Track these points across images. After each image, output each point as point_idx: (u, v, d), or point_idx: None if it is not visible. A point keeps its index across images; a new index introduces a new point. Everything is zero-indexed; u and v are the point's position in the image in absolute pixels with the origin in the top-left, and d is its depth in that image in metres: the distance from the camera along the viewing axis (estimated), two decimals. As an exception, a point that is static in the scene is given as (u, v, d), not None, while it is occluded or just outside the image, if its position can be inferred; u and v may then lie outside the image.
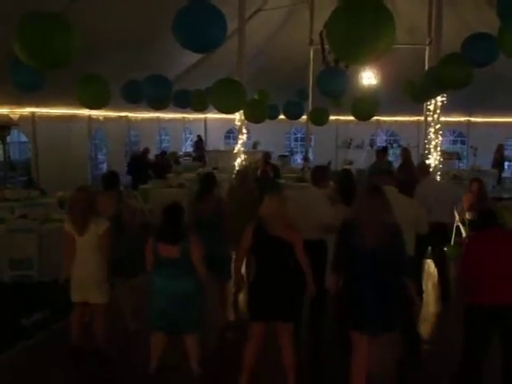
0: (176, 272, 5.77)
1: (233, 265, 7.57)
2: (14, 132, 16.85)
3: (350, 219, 5.28)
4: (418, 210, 6.70)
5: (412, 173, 11.30)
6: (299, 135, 26.36)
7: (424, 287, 8.70)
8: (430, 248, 9.21)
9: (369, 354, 5.29)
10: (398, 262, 5.12)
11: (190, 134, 27.53)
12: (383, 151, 13.69)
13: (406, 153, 13.91)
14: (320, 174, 7.35)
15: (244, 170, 10.24)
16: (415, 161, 18.59)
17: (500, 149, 21.14)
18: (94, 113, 17.82)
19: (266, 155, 13.48)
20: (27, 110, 15.18)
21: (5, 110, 14.20)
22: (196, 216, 7.43)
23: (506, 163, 23.44)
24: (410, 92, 11.49)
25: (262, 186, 10.60)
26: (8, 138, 15.43)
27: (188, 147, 27.00)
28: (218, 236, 7.46)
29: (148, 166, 18.06)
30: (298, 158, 24.62)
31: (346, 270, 5.33)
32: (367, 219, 5.04)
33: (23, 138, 17.68)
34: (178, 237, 5.77)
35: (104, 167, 20.96)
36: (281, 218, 5.42)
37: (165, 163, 18.58)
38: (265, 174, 11.90)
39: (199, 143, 25.12)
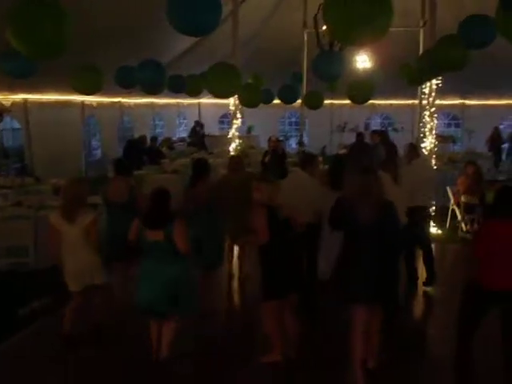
0: (162, 256, 5.84)
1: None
2: (7, 119, 16.74)
3: (344, 197, 5.62)
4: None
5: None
6: (293, 119, 26.29)
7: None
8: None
9: (370, 325, 5.65)
10: (393, 235, 5.48)
11: (184, 119, 27.41)
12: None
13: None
14: (307, 159, 7.67)
15: (236, 156, 10.21)
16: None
17: (496, 131, 21.01)
18: (88, 99, 17.72)
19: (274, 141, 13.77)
20: (19, 97, 15.07)
21: (-3, 97, 14.10)
22: (191, 203, 7.49)
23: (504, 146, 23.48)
24: (406, 75, 11.42)
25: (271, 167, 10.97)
26: (0, 125, 15.34)
27: (182, 132, 26.86)
28: (212, 222, 7.54)
29: (143, 151, 17.96)
30: (293, 143, 24.56)
31: (343, 245, 5.59)
32: (363, 195, 5.36)
33: (16, 125, 17.56)
34: (162, 221, 5.83)
35: (98, 153, 20.89)
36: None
37: (155, 149, 18.45)
38: (275, 152, 12.43)
39: (197, 128, 24.79)
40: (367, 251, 5.37)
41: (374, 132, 14.60)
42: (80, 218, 6.27)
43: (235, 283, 8.89)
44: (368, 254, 5.36)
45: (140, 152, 17.61)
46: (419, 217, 8.27)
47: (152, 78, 9.87)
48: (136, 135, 20.53)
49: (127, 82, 10.35)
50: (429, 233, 8.69)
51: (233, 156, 10.97)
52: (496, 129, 21.10)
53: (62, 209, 6.40)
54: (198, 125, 24.44)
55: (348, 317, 5.62)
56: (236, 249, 9.10)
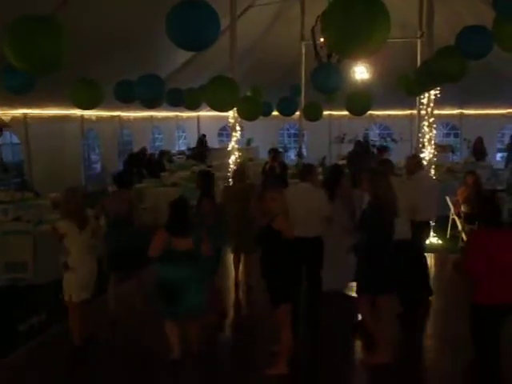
0: (187, 262, 6.11)
1: None
2: (6, 134, 16.75)
3: (375, 199, 6.08)
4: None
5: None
6: (292, 131, 26.32)
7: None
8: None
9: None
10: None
11: (183, 132, 27.46)
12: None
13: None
14: (306, 170, 7.65)
15: (239, 167, 10.23)
16: (409, 155, 18.67)
17: (479, 141, 20.94)
18: (87, 113, 17.73)
19: (274, 151, 13.64)
20: (19, 112, 15.09)
21: (-4, 112, 14.11)
22: (199, 214, 7.58)
23: (499, 154, 23.51)
24: (404, 86, 11.45)
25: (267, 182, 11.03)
26: (0, 140, 15.35)
27: (182, 145, 26.88)
28: (217, 232, 7.63)
29: (142, 164, 18.01)
30: (292, 155, 24.57)
31: (369, 240, 6.08)
32: (391, 197, 6.02)
33: (15, 140, 17.56)
34: (189, 230, 6.16)
35: (97, 167, 20.90)
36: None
37: (154, 161, 18.48)
38: (272, 170, 12.26)
39: (203, 141, 24.54)
40: (388, 246, 6.00)
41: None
42: (89, 224, 6.57)
43: (240, 293, 8.98)
44: (389, 250, 5.97)
45: (140, 165, 17.67)
46: (422, 232, 8.09)
47: (151, 92, 9.88)
48: (135, 149, 20.58)
49: (126, 97, 10.36)
50: (424, 248, 8.46)
51: (235, 167, 11.02)
52: (478, 138, 21.02)
53: (73, 216, 6.46)
54: (205, 137, 24.32)
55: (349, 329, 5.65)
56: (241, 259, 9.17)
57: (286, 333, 6.00)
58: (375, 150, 15.55)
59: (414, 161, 8.78)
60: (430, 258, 10.41)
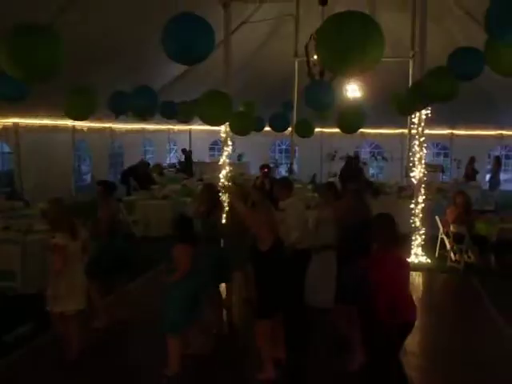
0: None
1: None
2: (-3, 143, 16.72)
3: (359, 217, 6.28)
4: None
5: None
6: (284, 147, 26.40)
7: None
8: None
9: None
10: None
11: (175, 145, 27.46)
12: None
13: None
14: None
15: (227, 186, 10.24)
16: (399, 173, 18.87)
17: (472, 161, 21.05)
18: (78, 124, 17.71)
19: (264, 167, 13.61)
20: (10, 121, 15.05)
21: (-13, 121, 14.07)
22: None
23: (488, 175, 23.65)
24: (397, 104, 11.53)
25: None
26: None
27: (173, 158, 26.86)
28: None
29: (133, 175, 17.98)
30: (283, 170, 24.63)
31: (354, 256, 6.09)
32: (370, 215, 6.24)
33: (6, 149, 17.51)
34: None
35: (88, 178, 20.85)
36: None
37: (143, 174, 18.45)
38: (262, 185, 12.30)
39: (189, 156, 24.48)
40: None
41: None
42: (80, 233, 6.49)
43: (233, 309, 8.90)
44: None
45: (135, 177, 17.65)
46: None
47: (144, 104, 9.88)
48: (126, 160, 20.54)
49: (120, 108, 10.35)
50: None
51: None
52: (472, 159, 21.12)
53: (66, 226, 6.36)
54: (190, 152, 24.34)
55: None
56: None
57: (261, 343, 6.13)
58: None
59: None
60: (419, 277, 10.56)
